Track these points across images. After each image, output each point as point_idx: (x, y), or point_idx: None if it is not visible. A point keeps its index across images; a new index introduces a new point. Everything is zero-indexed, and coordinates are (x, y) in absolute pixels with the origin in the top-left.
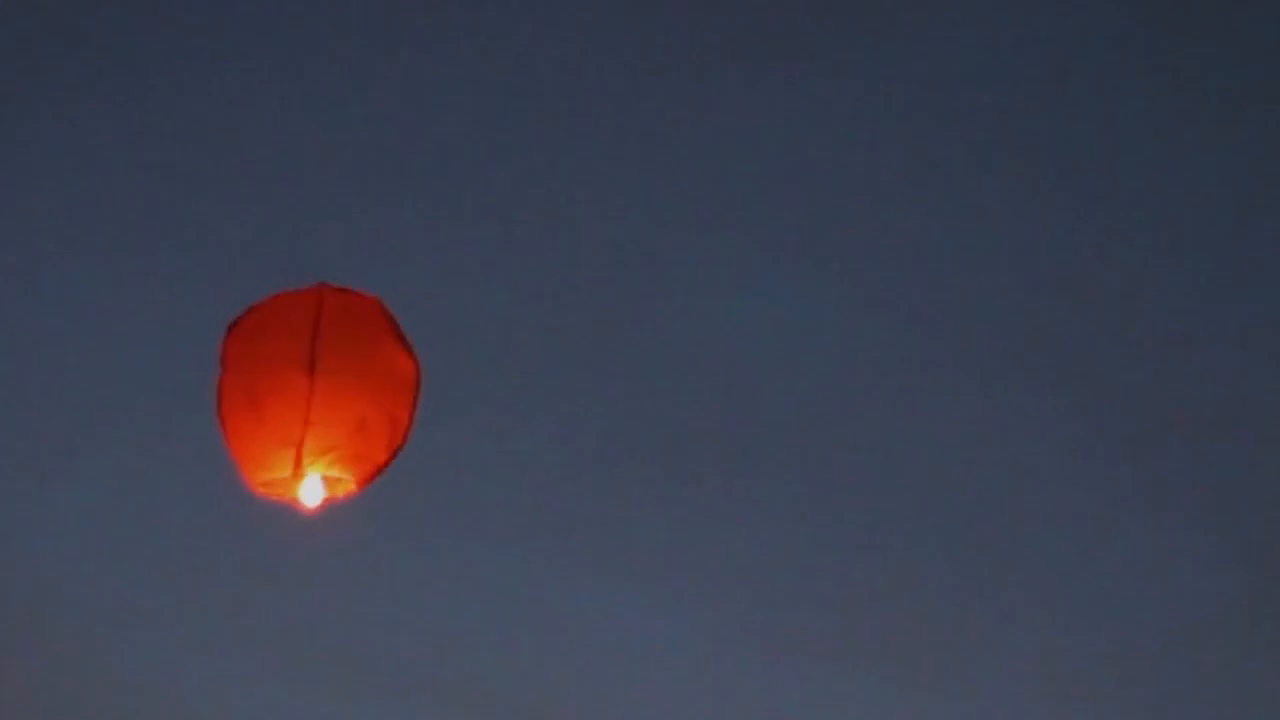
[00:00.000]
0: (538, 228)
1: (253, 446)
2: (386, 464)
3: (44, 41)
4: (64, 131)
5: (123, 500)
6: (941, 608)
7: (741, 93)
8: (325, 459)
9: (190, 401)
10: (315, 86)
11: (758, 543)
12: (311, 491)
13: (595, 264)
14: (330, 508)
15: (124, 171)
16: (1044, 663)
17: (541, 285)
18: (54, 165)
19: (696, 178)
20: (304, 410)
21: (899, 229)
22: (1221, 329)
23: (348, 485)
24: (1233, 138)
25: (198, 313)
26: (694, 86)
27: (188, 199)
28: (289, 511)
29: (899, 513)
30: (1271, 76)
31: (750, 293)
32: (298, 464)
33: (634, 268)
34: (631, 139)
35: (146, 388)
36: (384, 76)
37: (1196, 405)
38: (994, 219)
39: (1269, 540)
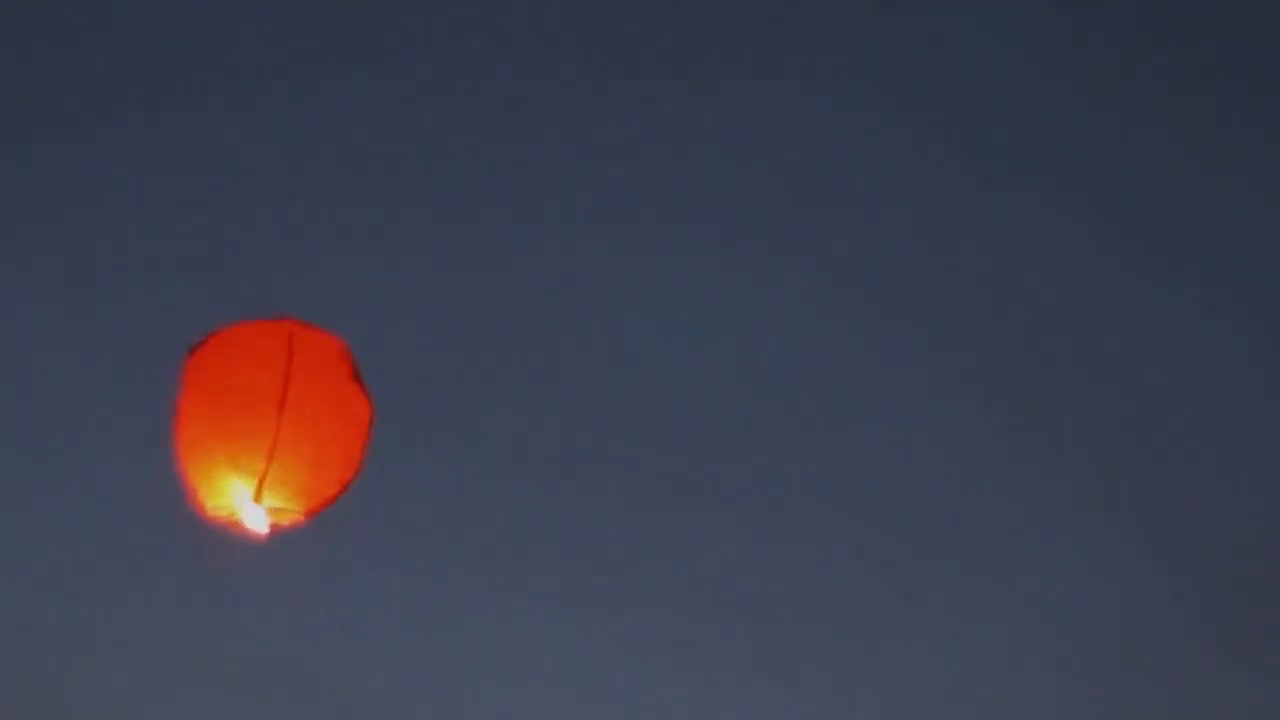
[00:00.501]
0: (471, 245)
1: (211, 472)
2: (335, 498)
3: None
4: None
5: (71, 525)
6: (856, 621)
7: (681, 108)
8: (282, 491)
9: (136, 426)
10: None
11: (678, 559)
12: (258, 520)
13: (526, 285)
14: (277, 535)
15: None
16: (961, 676)
17: (476, 308)
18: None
19: (632, 194)
20: (271, 444)
21: (830, 245)
22: (1149, 341)
23: (295, 515)
24: (1160, 150)
25: (149, 338)
26: (636, 108)
27: (141, 227)
28: (237, 537)
29: (816, 527)
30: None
31: (674, 313)
32: (258, 494)
33: (564, 290)
34: (575, 160)
35: (94, 409)
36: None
37: (1118, 417)
38: (923, 231)
39: (1182, 549)
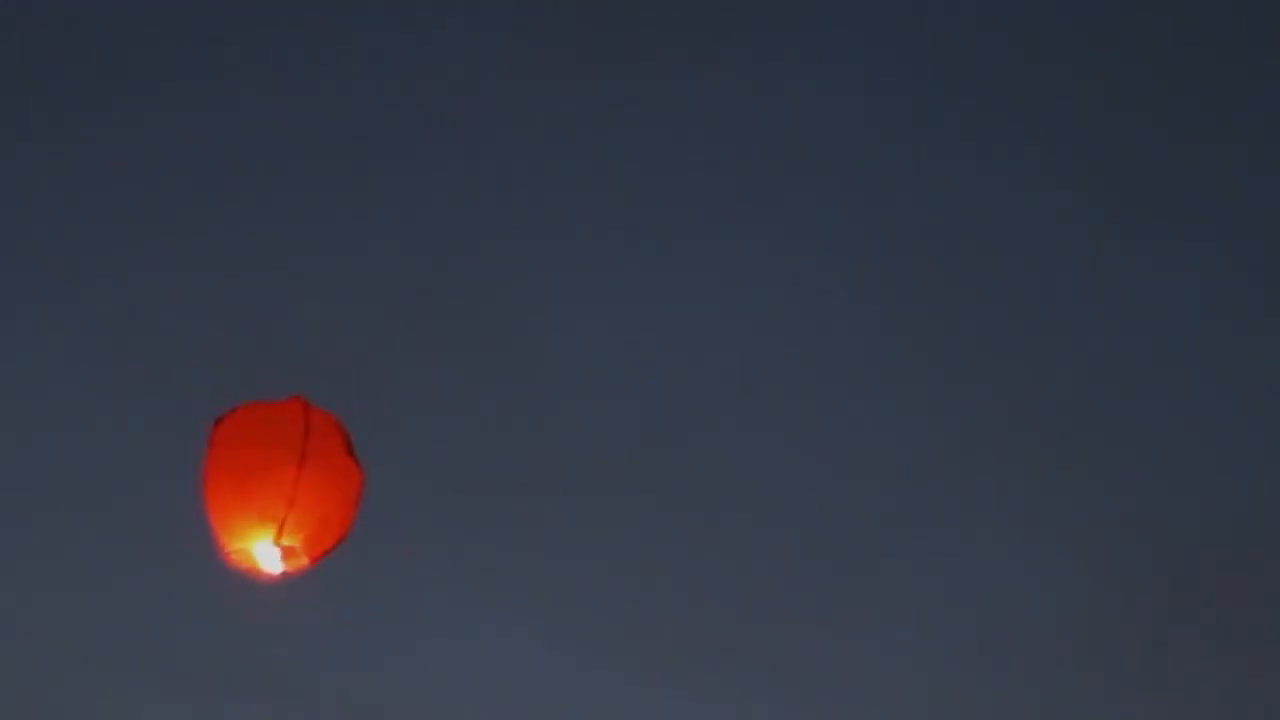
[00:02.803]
0: (419, 236)
1: (235, 518)
2: (332, 549)
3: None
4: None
5: (97, 561)
6: (792, 615)
7: (629, 94)
8: (296, 537)
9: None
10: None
11: (611, 554)
12: (273, 561)
13: (475, 277)
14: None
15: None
16: (917, 668)
17: (424, 305)
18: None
19: (584, 181)
20: (288, 501)
21: (780, 233)
22: (1105, 337)
23: (303, 561)
24: (1145, 130)
25: (175, 406)
26: (587, 96)
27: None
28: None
29: (749, 520)
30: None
31: (603, 305)
32: (278, 537)
33: (489, 276)
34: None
35: (126, 468)
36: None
37: (1073, 413)
38: (884, 213)
39: (1136, 543)
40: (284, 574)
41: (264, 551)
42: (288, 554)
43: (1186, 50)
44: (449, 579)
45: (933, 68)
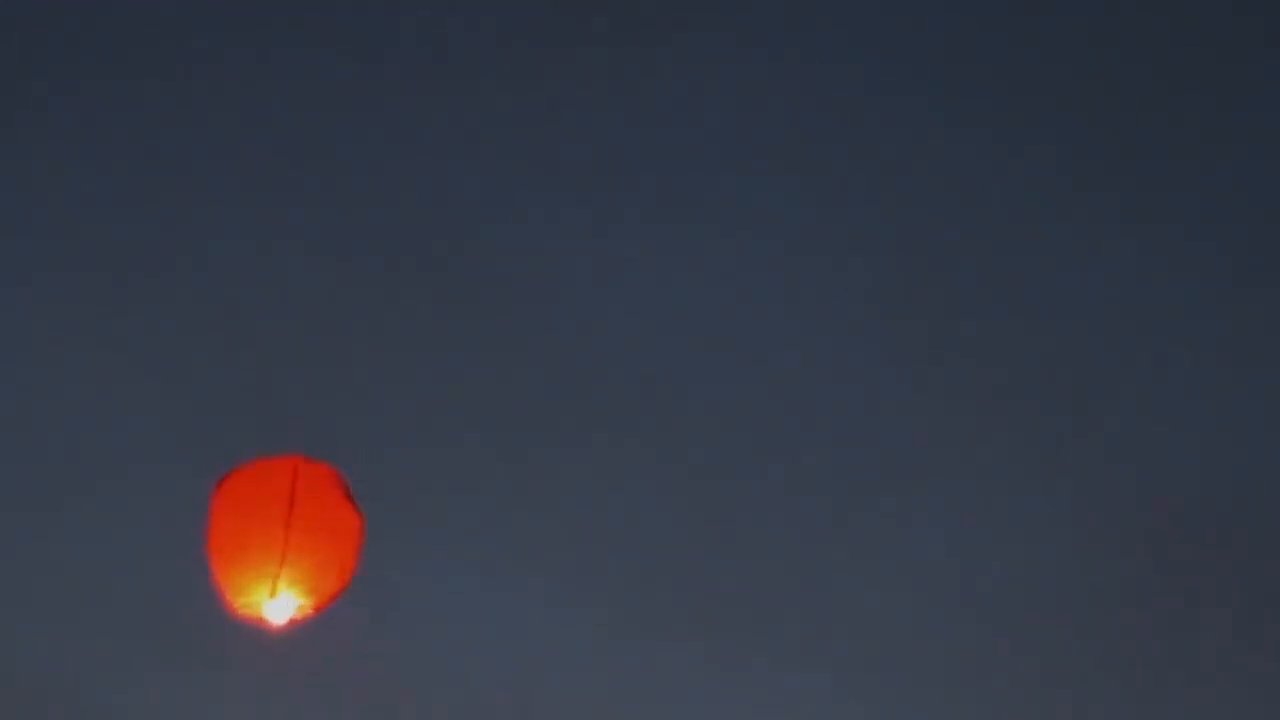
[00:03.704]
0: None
1: (237, 575)
2: (337, 594)
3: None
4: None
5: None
6: (784, 574)
7: (620, 66)
8: (294, 589)
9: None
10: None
11: (601, 513)
12: (280, 612)
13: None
14: (293, 626)
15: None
16: (889, 632)
17: (425, 275)
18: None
19: (557, 142)
20: (281, 552)
21: (764, 197)
22: (1091, 295)
23: (307, 609)
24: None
25: (182, 469)
26: (580, 68)
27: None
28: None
29: (741, 480)
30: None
31: (595, 260)
32: (273, 591)
33: (481, 234)
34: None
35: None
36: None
37: (1058, 371)
38: (854, 177)
39: (1120, 503)
40: (291, 622)
41: (269, 604)
42: (293, 604)
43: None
44: (440, 538)
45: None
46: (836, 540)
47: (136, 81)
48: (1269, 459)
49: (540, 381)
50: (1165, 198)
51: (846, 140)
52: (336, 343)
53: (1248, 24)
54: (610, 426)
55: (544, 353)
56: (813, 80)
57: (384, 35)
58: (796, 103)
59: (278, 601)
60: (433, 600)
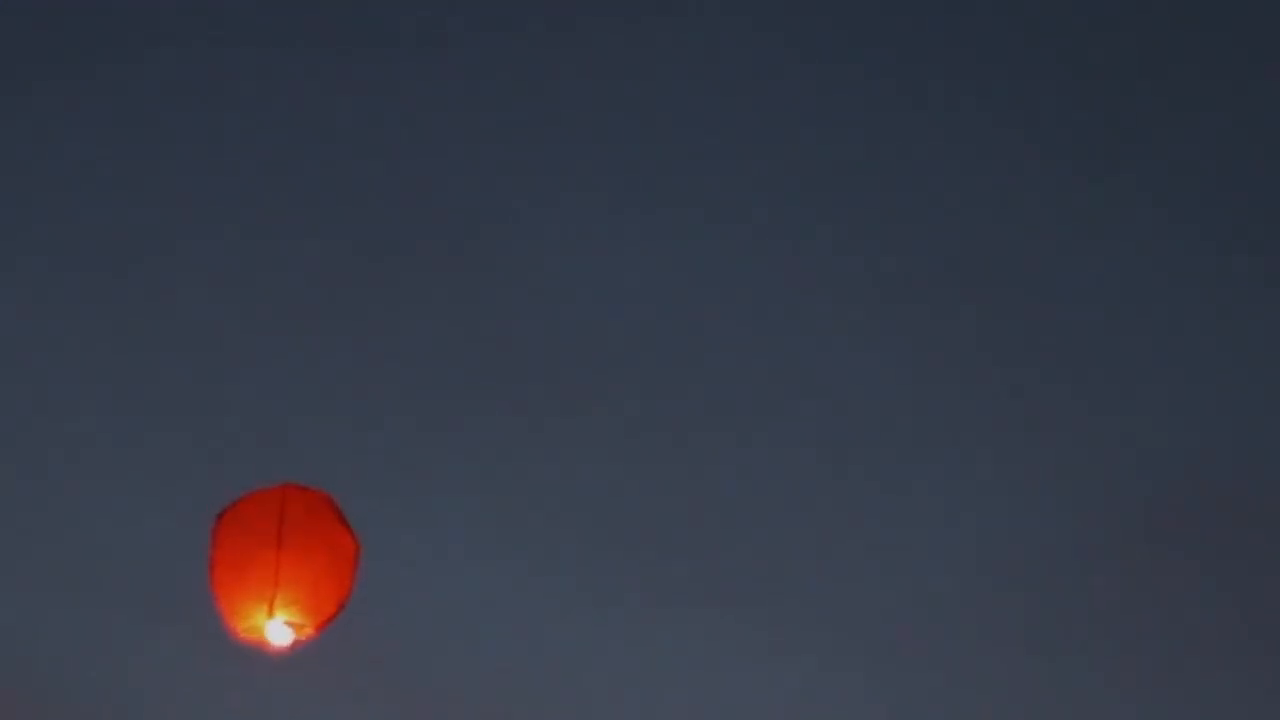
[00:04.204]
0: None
1: (236, 601)
2: (335, 615)
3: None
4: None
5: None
6: (774, 540)
7: (595, 34)
8: (290, 610)
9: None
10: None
11: (591, 479)
12: (280, 635)
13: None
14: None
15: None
16: (884, 595)
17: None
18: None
19: (538, 133)
20: (274, 575)
21: (743, 166)
22: (1080, 260)
23: (307, 630)
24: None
25: (184, 503)
26: (553, 35)
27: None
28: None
29: (733, 445)
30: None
31: (580, 230)
32: (270, 613)
33: (465, 212)
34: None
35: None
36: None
37: (1047, 336)
38: (836, 142)
39: (1105, 468)
40: (293, 644)
41: (269, 627)
42: (293, 626)
43: None
44: (418, 507)
45: None
46: (827, 510)
47: (118, 80)
48: (1263, 430)
49: (528, 354)
50: (1159, 173)
51: (832, 111)
52: (308, 340)
53: None
54: (599, 401)
55: (530, 329)
56: (793, 60)
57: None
58: (777, 78)
59: (277, 624)
60: (418, 579)
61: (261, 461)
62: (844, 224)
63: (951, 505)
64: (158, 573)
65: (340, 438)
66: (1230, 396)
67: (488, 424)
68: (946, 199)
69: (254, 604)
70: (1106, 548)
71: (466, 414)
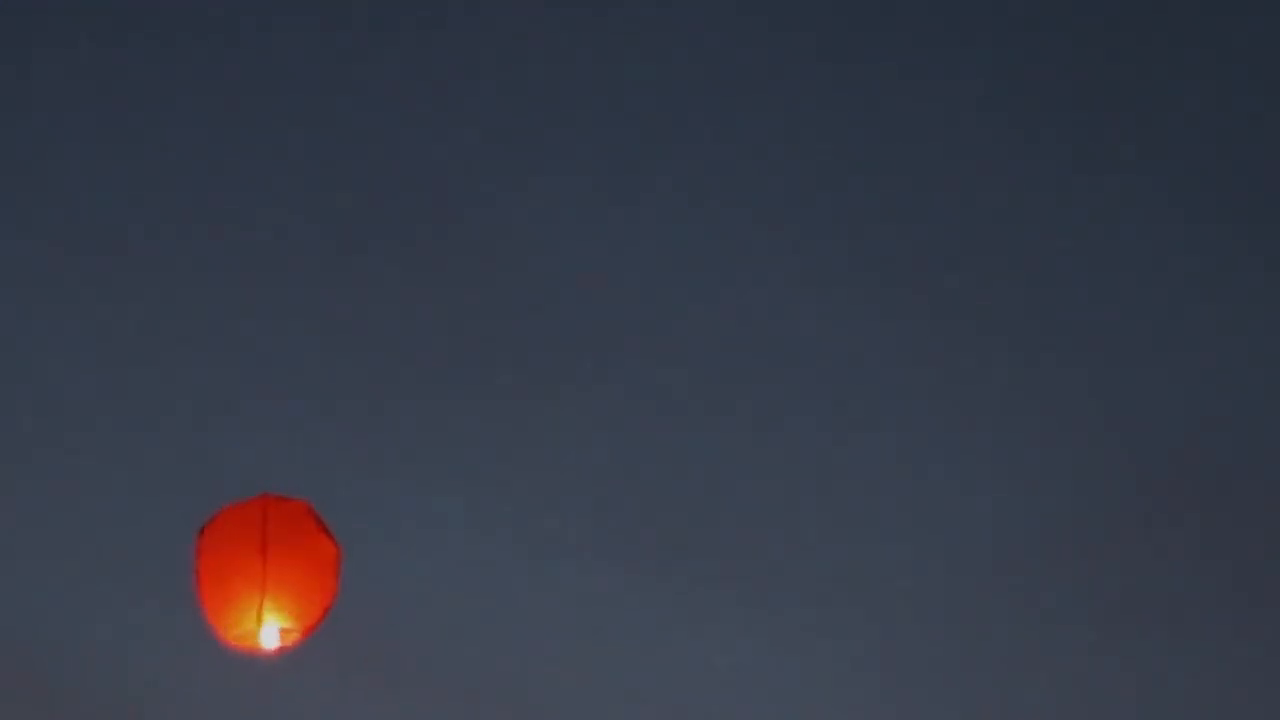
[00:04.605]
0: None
1: (224, 609)
2: (320, 619)
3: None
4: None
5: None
6: (762, 515)
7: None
8: (278, 615)
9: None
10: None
11: (583, 454)
12: (270, 639)
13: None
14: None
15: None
16: (872, 571)
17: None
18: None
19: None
20: (261, 581)
21: (731, 134)
22: (1083, 226)
23: (294, 634)
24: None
25: (169, 516)
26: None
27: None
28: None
29: (719, 421)
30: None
31: (572, 210)
32: (259, 619)
33: (464, 186)
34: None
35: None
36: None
37: (1053, 302)
38: (821, 110)
39: (1113, 432)
40: (281, 648)
41: (258, 633)
42: (281, 631)
43: None
44: (419, 478)
45: None
46: (827, 488)
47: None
48: (1261, 398)
49: (517, 340)
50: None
51: (826, 84)
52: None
53: None
54: (584, 368)
55: (520, 297)
56: (781, 32)
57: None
58: (761, 51)
59: (266, 629)
60: (408, 547)
61: (252, 443)
62: (842, 202)
63: (951, 480)
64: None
65: (329, 428)
66: (1227, 366)
67: (477, 410)
68: (944, 176)
69: (243, 609)
70: (1107, 520)
71: (456, 400)
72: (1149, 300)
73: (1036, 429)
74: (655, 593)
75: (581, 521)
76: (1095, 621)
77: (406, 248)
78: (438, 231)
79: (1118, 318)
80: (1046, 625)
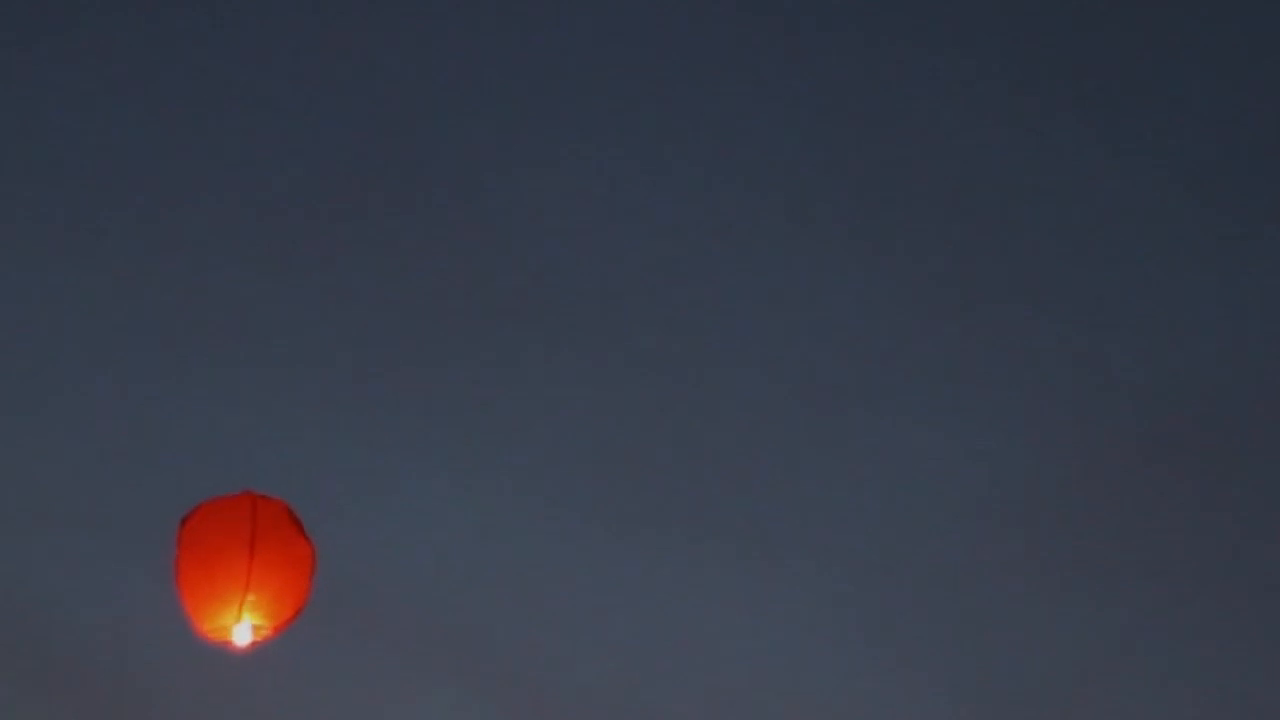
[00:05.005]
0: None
1: (205, 601)
2: (294, 618)
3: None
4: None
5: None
6: (764, 474)
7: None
8: (257, 613)
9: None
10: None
11: (585, 415)
12: (243, 634)
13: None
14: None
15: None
16: (875, 527)
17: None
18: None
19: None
20: (246, 579)
21: (737, 105)
22: (1069, 188)
23: (267, 631)
24: None
25: (144, 507)
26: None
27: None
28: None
29: (719, 380)
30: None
31: (577, 174)
32: (239, 615)
33: (468, 149)
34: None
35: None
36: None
37: (1038, 264)
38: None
39: (1093, 397)
40: (253, 643)
41: (234, 628)
42: (254, 627)
43: None
44: (416, 440)
45: None
46: (819, 440)
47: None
48: (1252, 345)
49: (520, 286)
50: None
51: (824, 44)
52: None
53: None
54: (589, 331)
55: (521, 260)
56: None
57: None
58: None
59: (243, 625)
60: (416, 511)
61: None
62: (834, 164)
63: (944, 436)
64: None
65: (324, 383)
66: (1218, 313)
67: (472, 365)
68: (932, 135)
69: (224, 605)
70: (1101, 472)
71: (450, 356)
72: (1138, 258)
73: (1030, 382)
74: (650, 553)
75: (577, 484)
76: (1094, 574)
77: (397, 211)
78: (423, 193)
79: (1108, 275)
80: (1043, 579)
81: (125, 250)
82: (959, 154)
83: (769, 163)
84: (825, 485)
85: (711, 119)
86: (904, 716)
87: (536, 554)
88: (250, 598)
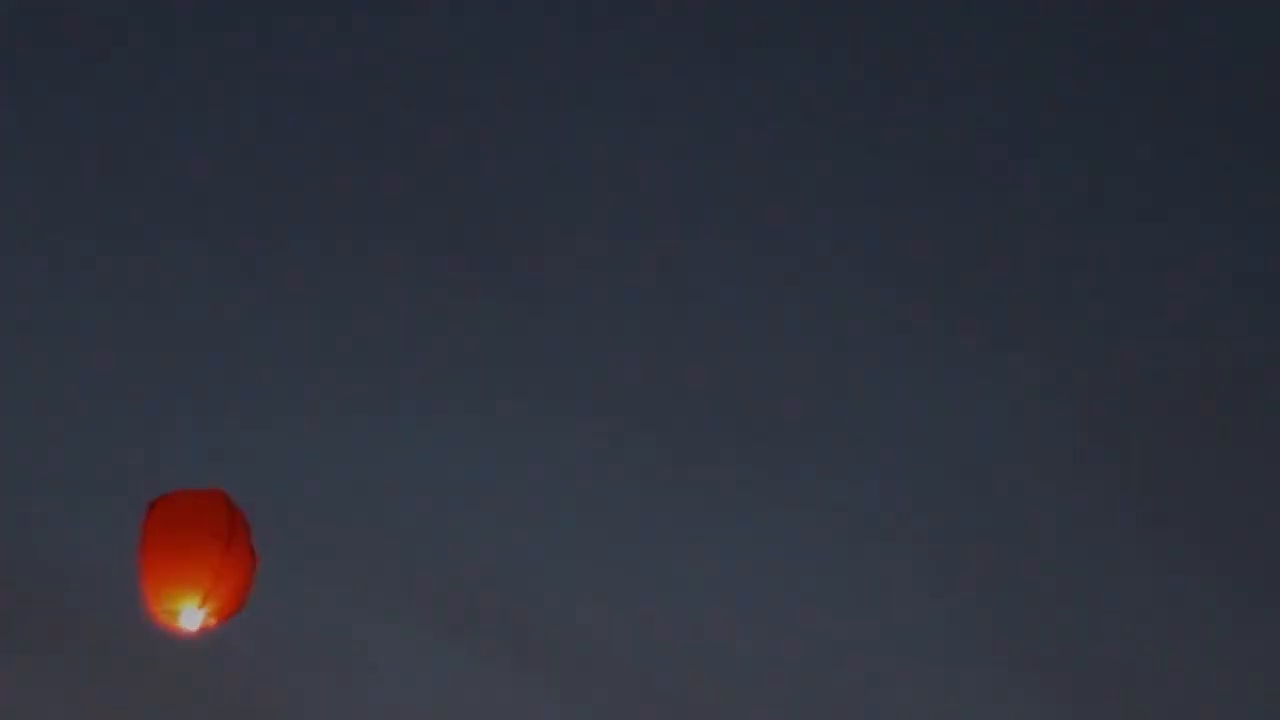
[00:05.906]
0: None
1: (168, 586)
2: (235, 613)
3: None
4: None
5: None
6: (770, 432)
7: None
8: (213, 604)
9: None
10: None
11: (601, 363)
12: (192, 621)
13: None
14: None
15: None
16: (866, 498)
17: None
18: None
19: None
20: (217, 569)
21: (735, 72)
22: (1057, 171)
23: (212, 622)
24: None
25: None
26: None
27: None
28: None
29: (722, 349)
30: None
31: (593, 116)
32: (204, 602)
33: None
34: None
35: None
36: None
37: (1024, 249)
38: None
39: (1083, 376)
40: (199, 630)
41: (188, 614)
42: (206, 615)
43: None
44: (418, 379)
45: None
46: (834, 410)
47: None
48: (1262, 303)
49: (541, 237)
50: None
51: (830, 9)
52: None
53: None
54: (595, 273)
55: (511, 194)
56: None
57: None
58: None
59: (196, 612)
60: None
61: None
62: (855, 122)
63: (958, 399)
64: None
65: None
66: (1227, 274)
67: (472, 313)
68: (935, 105)
69: (188, 591)
70: (1112, 436)
71: (451, 287)
72: (1149, 217)
73: (1045, 342)
74: (662, 499)
75: (586, 427)
76: (1106, 541)
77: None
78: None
79: (1120, 235)
80: (1055, 544)
81: (110, 245)
82: (962, 122)
83: (789, 126)
84: (847, 436)
85: (733, 88)
86: (946, 675)
87: (543, 498)
88: (215, 591)
